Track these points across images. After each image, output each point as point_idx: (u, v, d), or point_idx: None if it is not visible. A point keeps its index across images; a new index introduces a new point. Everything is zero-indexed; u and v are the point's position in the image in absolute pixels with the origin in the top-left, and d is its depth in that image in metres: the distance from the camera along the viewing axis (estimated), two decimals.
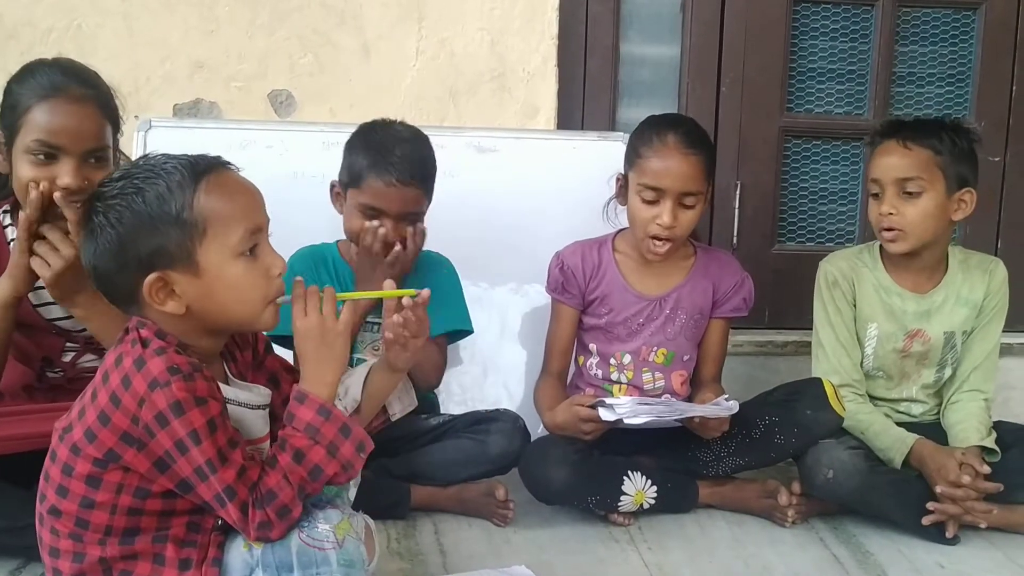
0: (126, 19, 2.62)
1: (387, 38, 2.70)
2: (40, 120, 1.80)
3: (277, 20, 2.66)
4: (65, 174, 1.79)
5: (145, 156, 1.48)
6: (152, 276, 1.42)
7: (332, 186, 2.21)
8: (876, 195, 2.22)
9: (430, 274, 2.28)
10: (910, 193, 2.17)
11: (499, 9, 2.72)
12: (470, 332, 2.28)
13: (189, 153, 1.48)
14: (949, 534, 2.08)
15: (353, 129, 2.21)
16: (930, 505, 2.07)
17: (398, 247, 2.10)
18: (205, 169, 1.45)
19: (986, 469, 2.05)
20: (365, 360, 2.17)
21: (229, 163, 1.50)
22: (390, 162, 2.09)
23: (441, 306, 2.10)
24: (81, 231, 1.48)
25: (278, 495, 1.42)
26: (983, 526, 2.09)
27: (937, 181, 2.17)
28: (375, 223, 2.10)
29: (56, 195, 1.76)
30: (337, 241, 2.27)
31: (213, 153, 1.50)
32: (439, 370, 2.21)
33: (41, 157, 1.80)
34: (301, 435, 1.45)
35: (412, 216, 2.14)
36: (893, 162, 2.19)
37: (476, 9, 2.71)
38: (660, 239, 2.17)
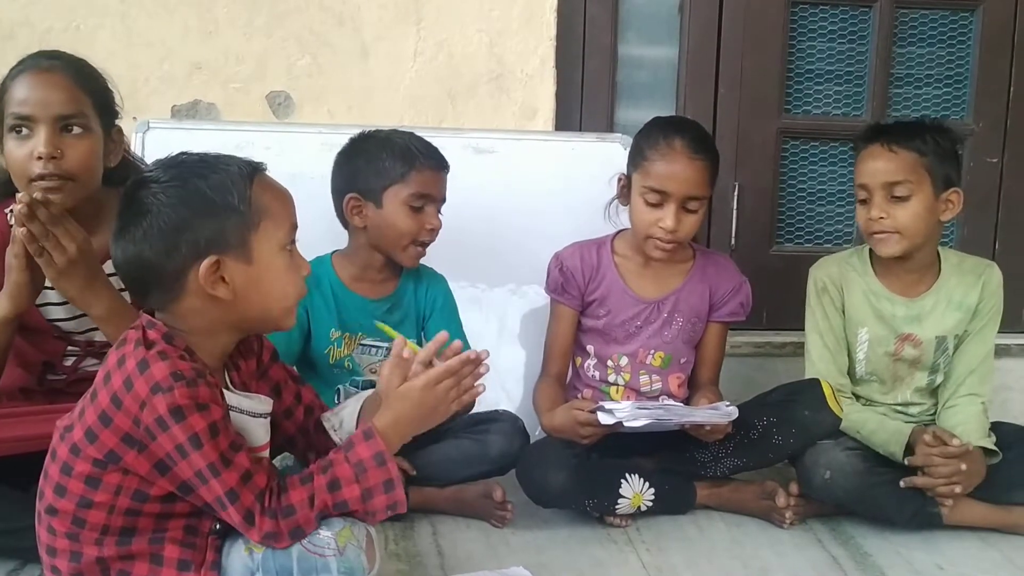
0: (124, 20, 2.61)
1: (385, 39, 2.69)
2: (13, 95, 1.85)
3: (275, 21, 2.66)
4: (39, 143, 1.81)
5: (186, 153, 1.52)
6: (210, 259, 1.44)
7: (347, 201, 2.16)
8: (864, 201, 2.21)
9: (431, 288, 2.29)
10: (899, 197, 2.16)
11: (497, 10, 2.71)
12: None
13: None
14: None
15: (352, 131, 2.21)
16: (902, 482, 2.09)
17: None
18: (256, 167, 1.51)
19: (953, 440, 2.06)
20: (367, 379, 2.18)
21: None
22: (428, 152, 2.16)
23: (447, 326, 2.12)
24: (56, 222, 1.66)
25: (296, 512, 1.43)
26: (957, 490, 2.06)
27: (924, 183, 2.16)
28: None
29: (35, 196, 1.73)
30: (332, 254, 2.26)
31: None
32: None
33: (19, 132, 1.83)
34: (348, 467, 1.46)
35: (443, 203, 2.21)
36: (880, 166, 2.18)
37: (474, 10, 2.71)
38: (662, 241, 2.18)
